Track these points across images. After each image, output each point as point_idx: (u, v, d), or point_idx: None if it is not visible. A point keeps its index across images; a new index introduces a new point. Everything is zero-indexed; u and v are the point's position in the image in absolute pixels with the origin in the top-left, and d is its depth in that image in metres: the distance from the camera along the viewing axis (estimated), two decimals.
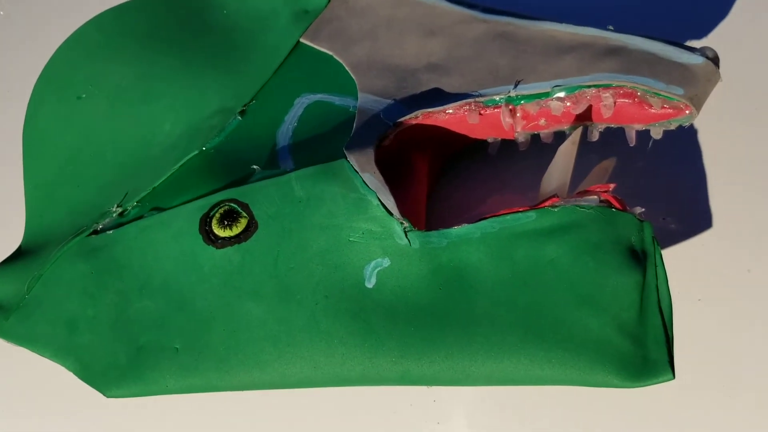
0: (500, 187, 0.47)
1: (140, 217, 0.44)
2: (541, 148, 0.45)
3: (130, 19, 0.52)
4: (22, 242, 0.47)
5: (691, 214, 0.45)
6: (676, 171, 0.46)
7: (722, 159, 0.46)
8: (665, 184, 0.46)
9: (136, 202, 0.45)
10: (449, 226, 0.41)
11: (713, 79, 0.40)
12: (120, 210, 0.45)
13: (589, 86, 0.41)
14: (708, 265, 0.43)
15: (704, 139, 0.47)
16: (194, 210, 0.43)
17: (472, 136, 0.44)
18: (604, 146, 0.44)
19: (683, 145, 0.47)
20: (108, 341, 0.42)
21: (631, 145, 0.42)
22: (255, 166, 0.43)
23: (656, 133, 0.41)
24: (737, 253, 0.43)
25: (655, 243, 0.38)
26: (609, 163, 0.42)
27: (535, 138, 0.44)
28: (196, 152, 0.45)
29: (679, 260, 0.42)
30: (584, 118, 0.42)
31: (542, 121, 0.43)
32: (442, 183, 0.47)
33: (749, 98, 0.48)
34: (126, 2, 0.53)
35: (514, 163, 0.47)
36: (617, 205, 0.38)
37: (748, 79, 0.48)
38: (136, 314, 0.42)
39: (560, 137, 0.44)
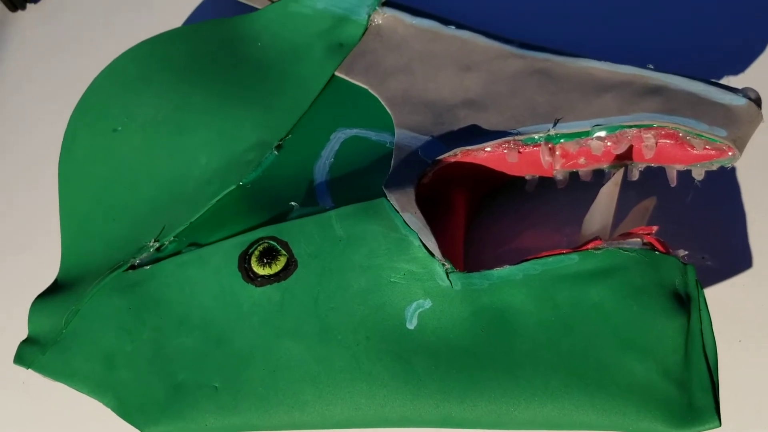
0: (537, 223, 0.47)
1: (178, 253, 0.44)
2: (578, 185, 0.44)
3: (165, 51, 0.52)
4: (58, 275, 0.47)
5: (730, 254, 0.44)
6: (715, 210, 0.46)
7: (763, 199, 0.46)
8: (704, 223, 0.45)
9: (174, 237, 0.45)
10: (487, 263, 0.41)
11: (756, 120, 0.40)
12: (157, 245, 0.45)
13: (630, 126, 0.41)
14: (748, 306, 0.43)
15: (744, 179, 0.46)
16: (233, 247, 0.43)
17: (510, 173, 0.44)
18: (643, 184, 0.44)
19: (722, 184, 0.46)
20: (146, 378, 0.42)
21: (672, 186, 0.42)
22: (293, 203, 0.43)
23: (698, 174, 0.41)
24: None
25: (699, 286, 0.38)
26: (649, 203, 0.42)
27: (573, 175, 0.44)
28: (233, 187, 0.45)
29: (718, 300, 0.42)
30: (624, 157, 0.42)
31: (582, 160, 0.42)
32: (478, 219, 0.47)
33: None
34: (161, 34, 0.53)
35: (551, 200, 0.46)
36: (660, 247, 0.38)
37: None
38: (174, 351, 0.42)
39: (599, 175, 0.44)
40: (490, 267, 0.40)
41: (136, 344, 0.42)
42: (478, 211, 0.47)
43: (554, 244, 0.46)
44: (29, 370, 0.43)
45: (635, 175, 0.42)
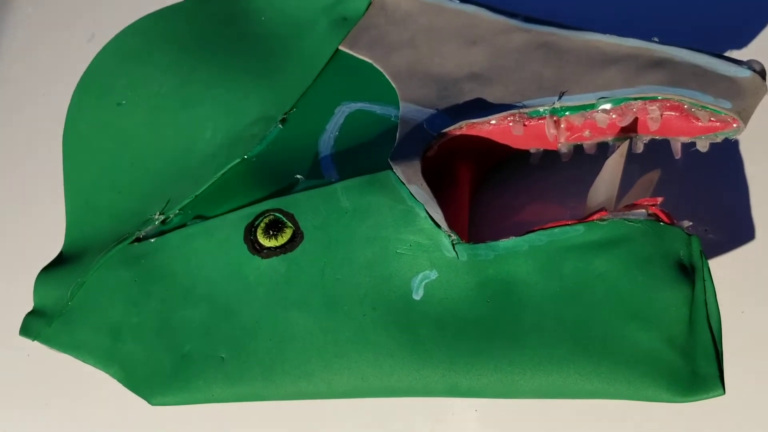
0: (541, 196, 0.47)
1: (183, 225, 0.44)
2: (582, 157, 0.44)
3: (169, 25, 0.52)
4: (63, 248, 0.47)
5: (733, 226, 0.45)
6: (717, 182, 0.46)
7: (766, 171, 0.46)
8: (706, 195, 0.46)
9: (179, 210, 0.45)
10: (492, 235, 0.41)
11: (760, 92, 0.40)
12: (162, 218, 0.45)
13: (636, 98, 0.41)
14: (751, 277, 0.43)
15: (746, 151, 0.47)
16: (239, 219, 0.43)
17: (515, 146, 0.44)
18: (646, 156, 0.44)
19: (725, 155, 0.46)
20: (152, 349, 0.42)
21: (677, 158, 0.42)
22: (298, 176, 0.44)
23: (702, 146, 0.41)
24: None
25: (703, 257, 0.38)
26: (654, 175, 0.42)
27: (577, 148, 0.44)
28: (238, 160, 0.45)
29: (721, 272, 0.42)
30: (629, 130, 0.42)
31: (587, 133, 0.43)
32: (482, 191, 0.47)
33: None
34: (164, 8, 0.53)
35: (554, 173, 0.47)
36: (665, 218, 0.38)
37: None
38: (180, 322, 0.42)
39: (604, 148, 0.44)
40: (495, 238, 0.40)
41: (142, 316, 0.43)
42: (483, 184, 0.47)
43: (558, 217, 0.45)
44: (35, 342, 0.44)
45: (640, 148, 0.43)
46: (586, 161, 0.44)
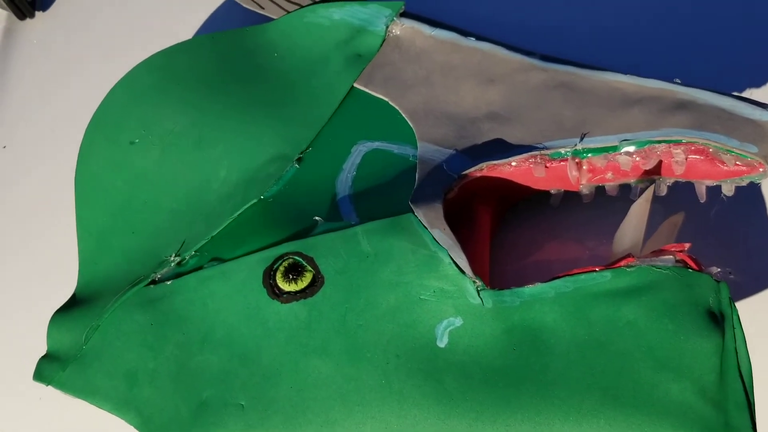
0: (559, 236, 0.47)
1: (199, 268, 0.44)
2: (601, 198, 0.44)
3: (181, 62, 0.51)
4: (76, 289, 0.46)
5: (757, 268, 0.44)
6: (740, 224, 0.46)
7: None
8: (728, 237, 0.45)
9: (195, 252, 0.44)
10: (510, 277, 0.40)
11: None
12: (178, 259, 0.44)
13: (660, 141, 0.40)
14: None
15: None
16: (257, 262, 0.42)
17: (536, 187, 0.44)
18: (666, 198, 0.44)
19: (747, 197, 0.46)
20: (170, 395, 0.41)
21: (702, 202, 0.41)
22: (317, 218, 0.43)
23: (728, 190, 0.41)
24: None
25: (732, 304, 0.37)
26: (678, 218, 0.42)
27: (599, 189, 0.44)
28: (255, 201, 0.45)
29: (746, 316, 0.42)
30: (652, 172, 0.41)
31: (609, 175, 0.42)
32: (500, 231, 0.47)
33: None
34: (175, 45, 0.52)
35: (574, 213, 0.46)
36: (693, 265, 0.38)
37: None
38: (198, 368, 0.41)
39: (625, 189, 0.43)
40: (514, 281, 0.39)
41: (159, 361, 0.42)
42: (501, 224, 0.47)
43: (577, 258, 0.46)
44: (49, 386, 0.43)
45: (663, 190, 0.42)
46: (605, 202, 0.44)
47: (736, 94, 0.41)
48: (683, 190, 0.43)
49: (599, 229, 0.44)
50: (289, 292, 0.41)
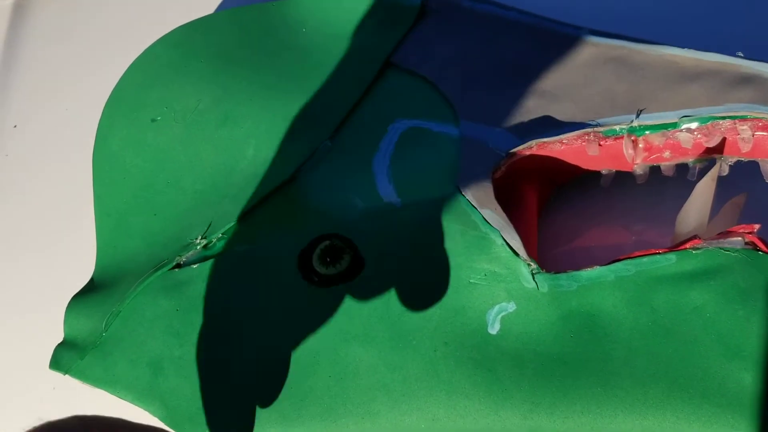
0: (606, 219, 0.44)
1: (228, 251, 0.41)
2: (655, 179, 0.42)
3: (204, 37, 0.50)
4: (94, 273, 0.44)
5: None
6: None
7: None
8: None
9: (222, 234, 0.42)
10: (557, 261, 0.38)
11: None
12: (204, 242, 0.42)
13: (724, 117, 0.38)
14: None
15: None
16: (291, 244, 0.40)
17: (587, 167, 0.42)
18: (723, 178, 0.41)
19: None
20: (197, 384, 0.39)
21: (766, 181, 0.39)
22: (354, 197, 0.41)
23: None
24: None
25: None
26: (740, 199, 0.39)
27: (653, 169, 0.41)
28: (286, 180, 0.42)
29: None
30: (714, 150, 0.39)
31: (666, 154, 0.40)
32: (546, 213, 0.44)
33: None
34: (194, 21, 0.50)
35: (626, 195, 0.44)
36: (763, 247, 0.36)
37: None
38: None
39: (682, 170, 0.41)
40: (564, 266, 0.37)
41: (185, 348, 0.39)
42: (546, 206, 0.45)
43: (625, 242, 0.43)
44: (66, 375, 0.40)
45: (725, 170, 0.40)
46: (659, 183, 0.42)
47: None
48: (744, 169, 0.40)
49: (652, 213, 0.42)
50: (327, 276, 0.39)
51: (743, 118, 0.38)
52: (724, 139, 0.39)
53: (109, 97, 0.48)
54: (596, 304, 0.36)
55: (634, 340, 0.35)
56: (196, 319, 0.40)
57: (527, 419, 0.35)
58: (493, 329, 0.36)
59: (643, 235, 0.43)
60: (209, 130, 0.46)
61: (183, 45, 0.49)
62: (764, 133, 0.38)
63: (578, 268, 0.37)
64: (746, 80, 0.39)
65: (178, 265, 0.42)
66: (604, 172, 0.42)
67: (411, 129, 0.43)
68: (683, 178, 0.41)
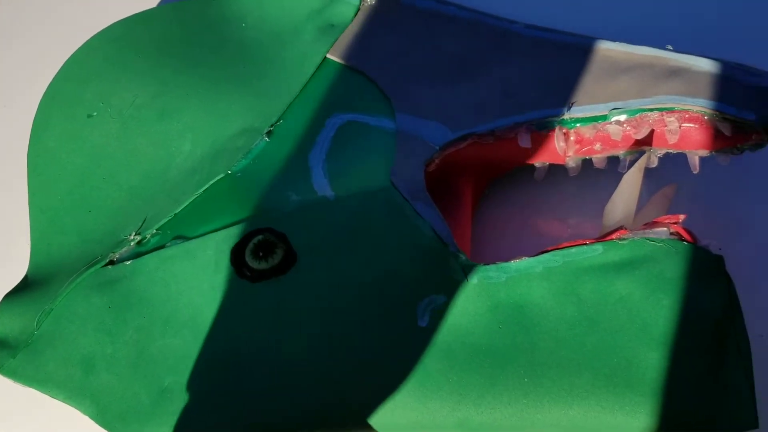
0: (541, 212, 0.45)
1: (162, 247, 0.41)
2: (589, 172, 0.42)
3: (143, 32, 0.49)
4: (28, 271, 0.43)
5: (750, 243, 0.42)
6: (733, 196, 0.44)
7: None
8: (722, 209, 0.43)
9: (156, 230, 0.41)
10: (491, 254, 0.38)
11: None
12: (138, 238, 0.41)
13: (652, 109, 0.38)
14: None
15: (759, 164, 0.44)
16: (224, 239, 0.40)
17: (520, 160, 0.42)
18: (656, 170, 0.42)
19: (738, 168, 0.44)
20: (129, 382, 0.38)
21: (695, 173, 0.39)
22: (289, 192, 0.40)
23: (723, 160, 0.39)
24: None
25: (730, 279, 0.35)
26: (670, 190, 0.40)
27: (586, 162, 0.42)
28: (222, 175, 0.42)
29: (741, 290, 0.40)
30: (643, 143, 0.40)
31: (597, 146, 0.40)
32: (481, 206, 0.45)
33: None
34: (137, 14, 0.50)
35: (559, 188, 0.44)
36: (688, 237, 0.36)
37: None
38: (159, 352, 0.39)
39: (613, 162, 0.41)
40: (497, 258, 0.37)
41: (117, 346, 0.39)
42: (482, 199, 0.45)
43: (561, 235, 0.43)
44: None
45: (654, 162, 0.40)
46: (593, 176, 0.42)
47: (732, 61, 0.39)
48: (674, 161, 0.41)
49: (585, 205, 0.42)
50: (259, 271, 0.38)
51: (671, 110, 0.38)
52: (652, 131, 0.39)
53: (45, 92, 0.47)
54: (524, 295, 0.36)
55: (560, 330, 0.35)
56: (129, 317, 0.40)
57: (455, 411, 0.35)
58: (423, 321, 0.36)
59: (578, 228, 0.44)
60: (146, 126, 0.45)
61: (121, 39, 0.49)
62: (691, 125, 0.38)
63: (508, 260, 0.37)
64: (674, 73, 0.39)
65: (111, 262, 0.41)
66: (537, 165, 0.42)
67: (348, 123, 0.43)
68: (615, 171, 0.41)
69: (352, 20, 0.47)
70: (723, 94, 0.38)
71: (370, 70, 0.45)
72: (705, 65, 0.39)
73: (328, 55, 0.46)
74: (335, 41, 0.46)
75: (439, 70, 0.44)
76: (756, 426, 0.33)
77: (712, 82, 0.38)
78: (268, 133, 0.43)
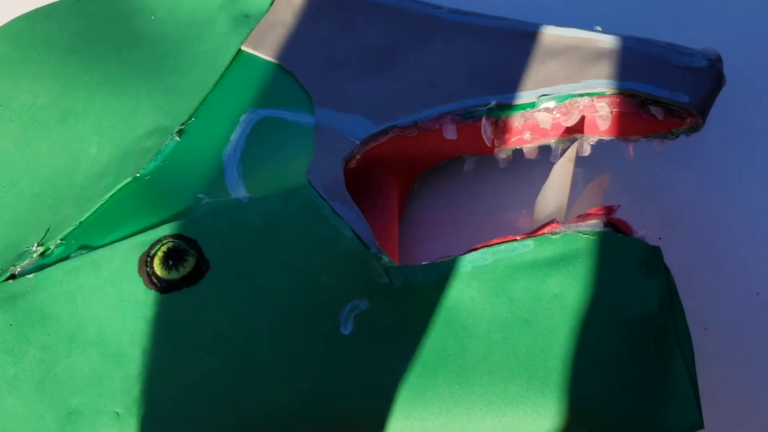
0: (475, 208, 0.43)
1: (66, 258, 0.39)
2: (520, 163, 0.40)
3: (43, 28, 0.46)
4: None
5: (690, 233, 0.41)
6: (668, 184, 0.42)
7: (723, 171, 0.43)
8: (658, 197, 0.42)
9: (61, 240, 0.39)
10: (423, 255, 0.36)
11: (719, 83, 0.37)
12: (41, 250, 0.39)
13: (581, 95, 0.37)
14: (713, 289, 0.40)
15: (695, 148, 0.43)
16: (131, 248, 0.38)
17: (447, 152, 0.41)
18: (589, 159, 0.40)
19: (675, 155, 0.43)
20: (33, 404, 0.36)
21: (629, 159, 0.38)
22: (200, 195, 0.38)
23: (658, 145, 0.38)
24: (745, 274, 0.40)
25: (667, 270, 0.34)
26: (604, 180, 0.38)
27: (516, 152, 0.40)
28: (130, 179, 0.40)
29: (679, 285, 0.38)
30: (575, 130, 0.38)
31: (527, 135, 0.39)
32: (409, 204, 0.43)
33: (747, 103, 0.45)
34: (37, 9, 0.47)
35: (490, 181, 0.42)
36: (624, 228, 0.35)
37: (744, 82, 0.45)
38: (66, 372, 0.36)
39: (545, 152, 0.40)
40: (426, 257, 0.36)
41: (20, 366, 0.37)
42: (410, 196, 0.43)
43: (494, 230, 0.42)
44: None
45: (587, 150, 0.39)
46: (524, 167, 0.40)
47: (663, 41, 0.38)
48: (607, 149, 0.39)
49: (518, 198, 0.40)
50: (169, 281, 0.36)
51: (601, 95, 0.37)
52: (582, 118, 0.38)
53: None
54: (453, 297, 0.34)
55: (492, 333, 0.34)
56: (32, 334, 0.37)
57: (383, 425, 0.33)
58: (346, 329, 0.34)
59: (513, 222, 0.42)
60: (48, 128, 0.43)
61: (20, 37, 0.46)
62: (623, 110, 0.37)
63: (435, 259, 0.35)
64: (604, 55, 0.38)
65: (13, 276, 0.39)
66: (465, 157, 0.41)
67: (265, 119, 0.41)
68: (548, 161, 0.39)
69: (268, 10, 0.45)
70: (655, 76, 0.37)
71: (287, 63, 0.43)
72: (634, 46, 0.38)
73: (243, 48, 0.44)
74: (250, 32, 0.44)
75: (361, 61, 0.42)
76: (701, 426, 0.32)
77: (643, 63, 0.37)
78: (179, 133, 0.41)
